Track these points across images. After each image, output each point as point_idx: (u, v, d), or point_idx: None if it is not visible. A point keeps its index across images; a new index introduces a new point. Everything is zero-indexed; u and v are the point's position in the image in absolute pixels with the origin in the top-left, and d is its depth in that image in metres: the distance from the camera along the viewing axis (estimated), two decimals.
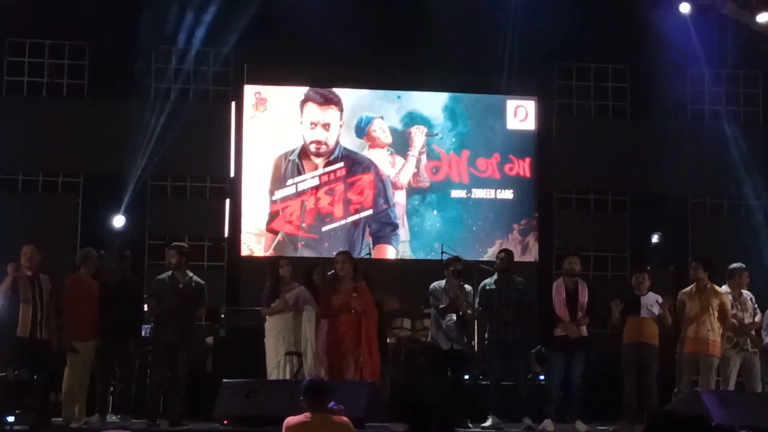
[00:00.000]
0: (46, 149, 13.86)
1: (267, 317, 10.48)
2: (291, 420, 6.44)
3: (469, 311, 10.58)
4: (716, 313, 10.45)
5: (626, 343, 10.56)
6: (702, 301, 10.50)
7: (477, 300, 10.67)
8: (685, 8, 14.16)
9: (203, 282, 10.54)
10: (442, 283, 10.65)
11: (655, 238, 14.13)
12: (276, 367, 10.33)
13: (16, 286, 9.95)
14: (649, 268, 12.93)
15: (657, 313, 10.50)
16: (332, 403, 6.50)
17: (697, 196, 14.91)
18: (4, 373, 9.74)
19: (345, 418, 6.55)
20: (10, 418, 9.52)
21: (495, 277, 10.74)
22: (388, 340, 11.38)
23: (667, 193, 14.32)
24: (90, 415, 10.20)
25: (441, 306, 10.55)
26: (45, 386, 10.01)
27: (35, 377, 9.74)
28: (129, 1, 13.47)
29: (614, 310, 10.55)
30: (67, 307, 10.12)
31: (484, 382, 11.31)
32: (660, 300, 10.57)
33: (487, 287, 10.66)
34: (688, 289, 10.70)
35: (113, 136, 13.61)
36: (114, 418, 10.46)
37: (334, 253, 11.10)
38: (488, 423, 10.46)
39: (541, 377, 11.42)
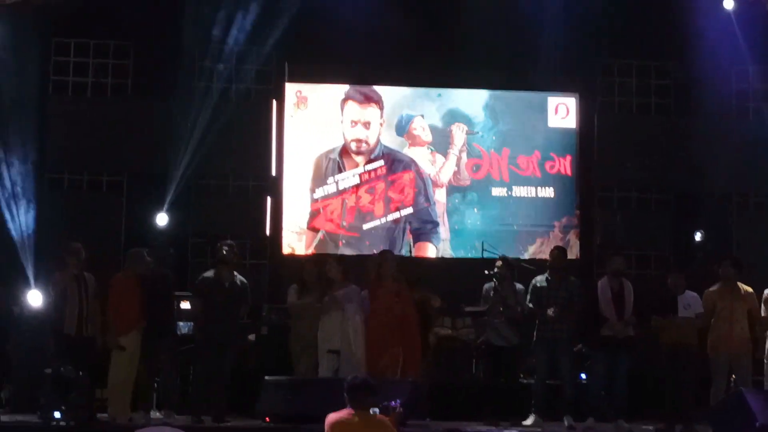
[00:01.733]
0: (91, 148, 14.00)
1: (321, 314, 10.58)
2: (332, 416, 6.49)
3: (519, 309, 10.65)
4: (745, 311, 10.41)
5: (664, 343, 10.50)
6: (732, 299, 10.45)
7: (528, 297, 10.69)
8: (728, 4, 13.99)
9: (246, 281, 10.64)
10: (492, 284, 10.72)
11: (698, 236, 14.02)
12: (322, 363, 10.43)
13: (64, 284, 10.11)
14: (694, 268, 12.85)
15: (695, 313, 10.46)
16: (396, 401, 6.53)
17: (741, 194, 14.76)
18: (50, 370, 9.88)
19: (385, 418, 6.59)
20: (57, 415, 9.66)
21: (546, 274, 10.73)
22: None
23: (710, 191, 14.21)
24: (135, 411, 10.31)
25: (487, 307, 10.70)
26: (91, 383, 10.13)
27: (81, 374, 9.86)
28: (172, 1, 13.57)
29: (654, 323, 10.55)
30: (113, 306, 10.23)
31: (524, 381, 11.30)
32: (698, 298, 10.54)
33: (538, 284, 10.67)
34: (715, 287, 10.62)
35: (157, 134, 13.75)
36: (158, 414, 10.58)
37: (375, 251, 11.18)
38: (529, 421, 10.46)
39: (583, 376, 11.39)
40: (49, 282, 10.76)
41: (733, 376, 10.57)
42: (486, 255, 12.78)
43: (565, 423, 10.35)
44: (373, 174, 14.30)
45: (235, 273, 10.55)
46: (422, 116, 14.48)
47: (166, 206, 13.53)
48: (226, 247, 10.52)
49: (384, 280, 10.37)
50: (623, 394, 10.51)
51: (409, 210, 14.28)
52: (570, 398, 10.56)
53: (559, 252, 10.98)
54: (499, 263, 10.83)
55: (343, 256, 12.15)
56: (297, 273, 11.24)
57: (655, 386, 10.77)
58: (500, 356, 10.76)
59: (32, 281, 12.31)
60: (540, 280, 10.70)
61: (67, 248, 10.30)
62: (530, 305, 10.64)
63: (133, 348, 10.21)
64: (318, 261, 11.39)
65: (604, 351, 10.49)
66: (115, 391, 10.19)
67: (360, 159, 14.32)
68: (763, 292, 10.53)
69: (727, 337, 10.39)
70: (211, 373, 10.35)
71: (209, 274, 10.54)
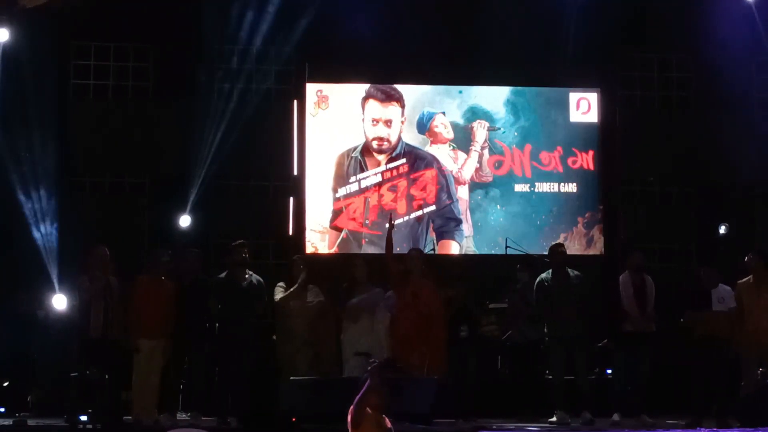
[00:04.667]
0: (113, 151, 14.09)
1: (344, 315, 10.56)
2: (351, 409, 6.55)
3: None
4: None
5: (698, 337, 10.40)
6: (761, 291, 10.37)
7: (534, 295, 10.70)
8: None
9: (262, 279, 10.66)
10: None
11: (722, 229, 13.94)
12: (348, 364, 10.42)
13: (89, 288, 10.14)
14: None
15: (728, 307, 10.38)
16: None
17: (765, 185, 14.67)
18: (76, 373, 9.91)
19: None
20: (83, 417, 9.69)
21: (550, 271, 10.72)
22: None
23: (733, 183, 14.13)
24: (161, 413, 10.33)
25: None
26: (116, 385, 10.16)
27: (106, 376, 9.88)
28: (192, 3, 13.61)
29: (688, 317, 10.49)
30: (134, 307, 10.24)
31: (549, 377, 11.27)
32: (731, 292, 10.45)
33: (545, 282, 10.65)
34: (744, 280, 10.55)
35: (178, 136, 13.80)
36: (184, 416, 10.60)
37: (398, 249, 11.16)
38: (554, 418, 10.43)
39: (609, 371, 11.36)
40: (74, 286, 10.79)
41: (760, 369, 10.49)
42: (509, 251, 12.74)
43: (583, 418, 10.31)
44: (395, 172, 14.27)
45: (250, 272, 10.57)
46: (443, 113, 14.43)
47: (188, 208, 13.56)
48: (245, 248, 10.55)
49: (410, 279, 10.35)
50: (644, 388, 10.49)
51: (432, 207, 14.25)
52: (586, 394, 10.52)
53: (558, 247, 11.03)
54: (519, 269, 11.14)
55: (366, 257, 12.08)
56: (319, 273, 11.24)
57: (680, 381, 10.71)
58: (522, 353, 10.80)
59: (56, 285, 12.35)
60: (545, 278, 10.71)
61: (92, 251, 10.33)
62: (536, 302, 10.72)
63: (153, 349, 10.21)
64: (307, 262, 11.36)
65: (626, 346, 10.46)
66: (139, 393, 10.21)
67: (382, 157, 14.30)
68: None
69: (756, 329, 10.30)
70: (231, 373, 10.37)
71: (222, 275, 10.58)
